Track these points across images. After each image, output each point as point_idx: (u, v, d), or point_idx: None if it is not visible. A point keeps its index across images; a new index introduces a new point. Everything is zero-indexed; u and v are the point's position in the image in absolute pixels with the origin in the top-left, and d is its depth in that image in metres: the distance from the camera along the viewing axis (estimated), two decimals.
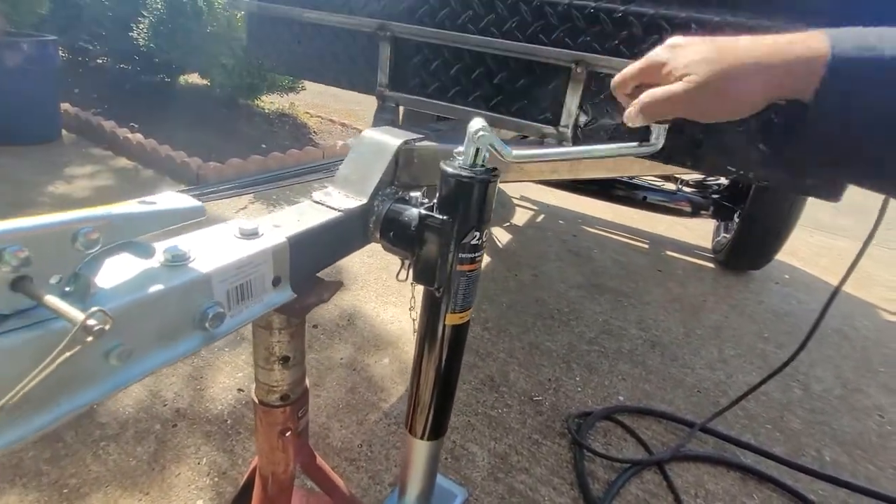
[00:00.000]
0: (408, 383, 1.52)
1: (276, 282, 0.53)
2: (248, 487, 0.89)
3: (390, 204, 0.70)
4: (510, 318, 2.00)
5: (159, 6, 3.33)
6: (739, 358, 1.98)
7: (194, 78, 4.26)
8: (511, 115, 0.99)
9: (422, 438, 0.84)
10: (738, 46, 0.47)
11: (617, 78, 0.61)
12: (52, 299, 0.31)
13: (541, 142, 1.00)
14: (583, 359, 1.82)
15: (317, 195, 0.67)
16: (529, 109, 0.97)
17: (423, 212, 0.64)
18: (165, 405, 1.35)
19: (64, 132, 3.27)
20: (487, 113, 1.00)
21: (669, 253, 2.91)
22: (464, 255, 0.65)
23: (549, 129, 0.96)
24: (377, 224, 0.70)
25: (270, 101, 4.37)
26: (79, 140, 3.24)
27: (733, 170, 0.85)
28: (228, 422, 1.32)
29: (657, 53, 0.54)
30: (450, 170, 0.61)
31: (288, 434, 0.76)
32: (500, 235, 2.80)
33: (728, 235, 2.72)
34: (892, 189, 0.48)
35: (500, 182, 0.66)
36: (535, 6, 0.89)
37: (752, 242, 2.54)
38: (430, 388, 0.78)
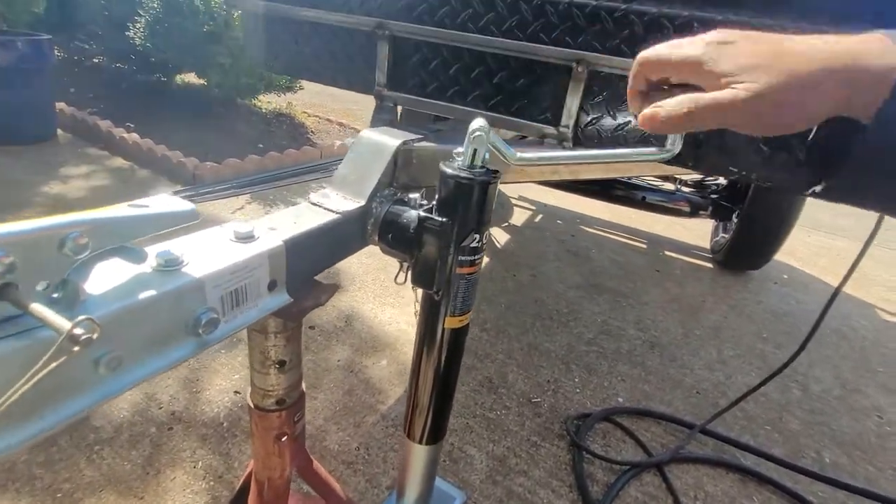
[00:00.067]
0: (406, 385, 1.51)
1: (272, 286, 0.51)
2: (243, 492, 0.88)
3: (389, 206, 0.69)
4: (509, 318, 1.99)
5: (155, 5, 3.31)
6: (738, 358, 1.97)
7: (191, 77, 4.23)
8: (511, 115, 0.98)
9: (420, 443, 0.83)
10: (797, 51, 0.40)
11: (637, 66, 0.51)
12: (37, 307, 0.30)
13: (541, 142, 0.99)
14: (581, 360, 1.81)
15: (314, 197, 0.66)
16: (529, 109, 0.96)
17: (422, 214, 0.63)
18: (161, 408, 1.33)
19: (59, 132, 3.24)
20: (487, 113, 0.99)
21: (668, 253, 2.90)
22: (463, 258, 0.64)
23: (550, 129, 0.95)
24: (375, 226, 0.68)
25: (268, 101, 4.36)
26: (74, 140, 3.22)
27: (735, 170, 0.84)
28: (225, 425, 1.31)
29: (697, 48, 0.45)
30: (449, 171, 0.60)
31: (284, 439, 0.75)
32: (499, 235, 2.79)
33: (727, 235, 2.71)
34: None
35: (501, 183, 0.65)
36: (535, 4, 0.88)
37: (750, 242, 2.54)
38: (428, 393, 0.77)
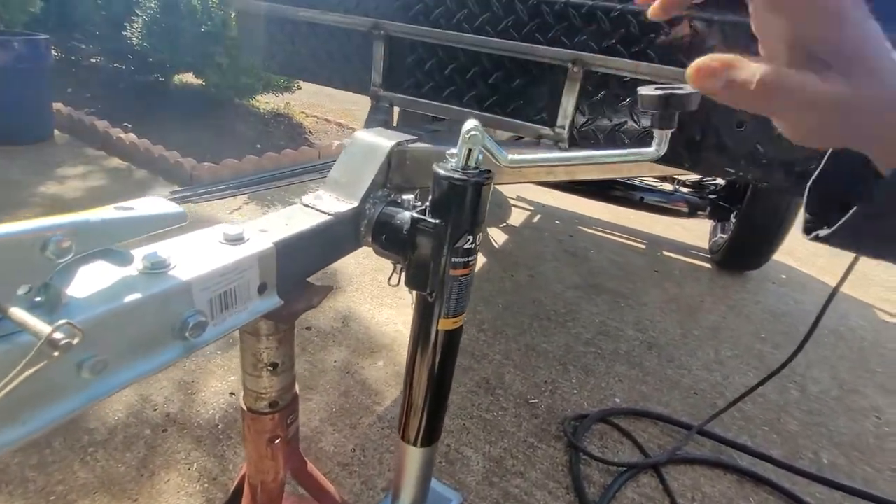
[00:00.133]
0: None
1: (263, 288, 0.51)
2: (237, 495, 0.87)
3: (382, 207, 0.68)
4: (506, 319, 1.99)
5: (153, 5, 3.30)
6: (736, 359, 1.97)
7: (189, 77, 4.23)
8: (507, 116, 0.98)
9: (415, 445, 0.82)
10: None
11: None
12: (17, 311, 0.30)
13: (537, 142, 0.98)
14: (579, 360, 1.81)
15: (307, 198, 0.66)
16: (525, 110, 0.96)
17: (416, 215, 0.63)
18: (156, 410, 1.33)
19: (56, 132, 3.23)
20: (483, 113, 0.98)
21: (666, 253, 2.90)
22: (457, 260, 0.64)
23: (546, 130, 0.94)
24: (369, 228, 0.68)
25: (266, 101, 4.35)
26: (72, 140, 3.21)
27: (732, 171, 0.84)
28: (220, 426, 1.30)
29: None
30: (442, 172, 0.60)
31: (277, 441, 0.75)
32: (497, 236, 2.79)
33: (725, 236, 2.71)
34: None
35: (496, 184, 0.64)
36: (531, 5, 0.88)
37: (749, 242, 2.53)
38: (422, 395, 0.77)
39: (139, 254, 0.41)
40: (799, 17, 0.29)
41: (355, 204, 0.66)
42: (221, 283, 0.45)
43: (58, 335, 0.28)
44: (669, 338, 2.04)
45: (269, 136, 3.73)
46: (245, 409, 0.73)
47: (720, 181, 2.70)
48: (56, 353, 0.28)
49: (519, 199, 3.41)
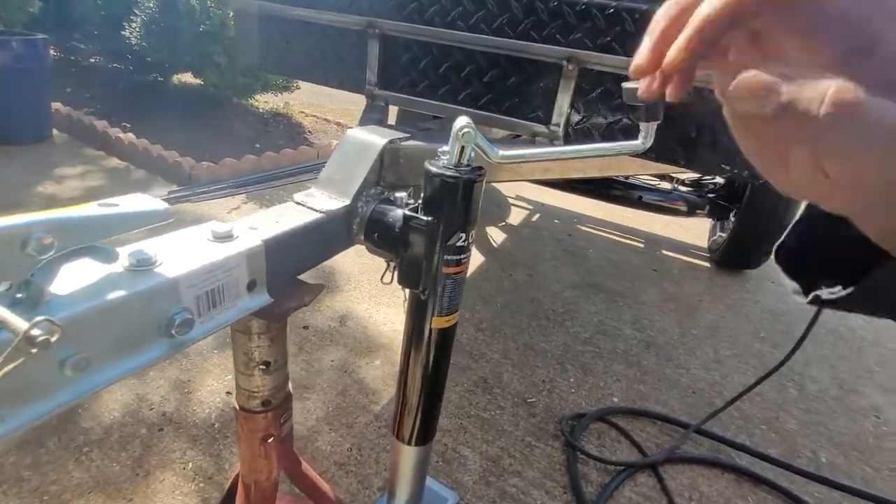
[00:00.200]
0: None
1: (252, 286, 0.51)
2: (231, 494, 0.87)
3: (375, 205, 0.68)
4: (504, 318, 1.99)
5: (151, 5, 3.30)
6: (735, 358, 1.96)
7: (188, 77, 4.22)
8: (502, 114, 0.97)
9: (409, 444, 0.82)
10: None
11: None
12: None
13: (533, 141, 0.98)
14: (577, 359, 1.80)
15: (298, 196, 0.65)
16: (520, 108, 0.95)
17: (408, 213, 0.62)
18: (152, 409, 1.33)
19: (55, 132, 3.23)
20: (478, 111, 0.98)
21: (665, 252, 2.89)
22: (449, 257, 0.63)
23: (541, 128, 0.94)
24: (361, 225, 0.68)
25: (265, 101, 4.35)
26: (70, 140, 3.21)
27: (728, 168, 0.84)
28: (216, 426, 1.30)
29: None
30: (434, 169, 0.59)
31: (270, 440, 0.74)
32: (495, 235, 2.78)
33: (724, 234, 2.71)
34: None
35: (492, 182, 0.64)
36: (525, 2, 0.87)
37: (748, 241, 2.53)
38: (416, 394, 0.76)
39: (125, 251, 0.41)
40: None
41: (347, 202, 0.66)
42: (209, 281, 0.45)
43: (35, 332, 0.28)
44: (668, 337, 2.04)
45: (267, 135, 3.73)
46: (238, 407, 0.72)
47: (719, 180, 2.69)
48: (34, 350, 0.28)
49: (518, 198, 3.40)
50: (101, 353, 0.37)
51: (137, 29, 3.36)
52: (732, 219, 2.59)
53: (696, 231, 3.15)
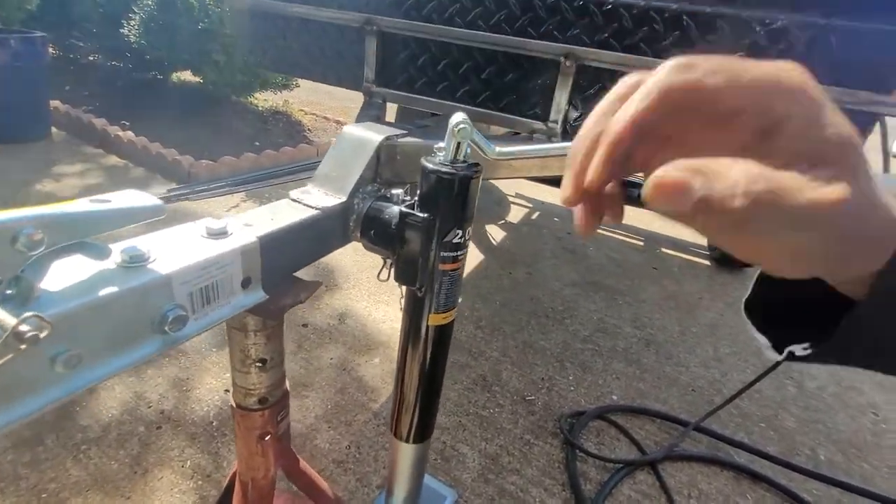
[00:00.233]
0: None
1: (247, 283, 0.50)
2: (229, 492, 0.87)
3: (371, 202, 0.68)
4: (504, 316, 1.99)
5: (150, 2, 3.29)
6: (734, 356, 1.96)
7: (187, 75, 4.22)
8: (500, 111, 0.97)
9: (407, 441, 0.82)
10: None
11: (660, 92, 0.25)
12: None
13: (531, 138, 0.98)
14: (577, 357, 1.80)
15: (294, 193, 0.65)
16: (518, 105, 0.95)
17: (404, 209, 0.62)
18: (150, 407, 1.32)
19: (54, 130, 3.23)
20: (476, 109, 0.98)
21: (665, 250, 2.89)
22: (446, 254, 0.63)
23: (539, 125, 0.94)
24: (357, 222, 0.67)
25: (264, 99, 4.34)
26: (69, 138, 3.21)
27: None
28: (214, 423, 1.30)
29: (790, 70, 0.24)
30: (430, 165, 0.59)
31: (267, 438, 0.74)
32: (495, 233, 2.78)
33: None
34: None
35: (490, 179, 0.64)
36: None
37: None
38: (414, 391, 0.76)
39: (117, 247, 0.41)
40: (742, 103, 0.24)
41: (343, 199, 0.66)
42: (203, 277, 0.44)
43: (24, 327, 0.28)
44: (667, 335, 2.03)
45: (267, 133, 3.72)
46: (235, 405, 0.72)
47: None
48: (23, 346, 0.28)
49: (518, 196, 3.40)
50: (92, 349, 0.37)
51: (136, 27, 3.35)
52: None
53: None
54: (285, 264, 0.58)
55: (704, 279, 2.60)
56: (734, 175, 0.22)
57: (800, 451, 1.52)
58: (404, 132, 0.78)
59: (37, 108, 3.09)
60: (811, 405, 1.74)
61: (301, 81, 4.06)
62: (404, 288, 0.71)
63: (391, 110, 1.91)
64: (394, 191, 0.69)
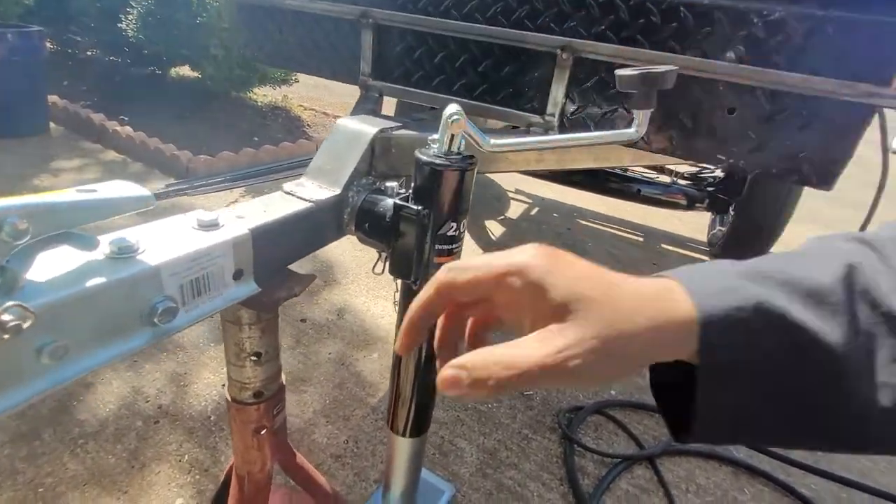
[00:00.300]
0: None
1: (238, 275, 0.50)
2: (226, 486, 0.87)
3: (366, 194, 0.67)
4: None
5: None
6: None
7: (185, 70, 4.21)
8: (497, 104, 0.96)
9: (404, 436, 0.82)
10: (623, 290, 0.33)
11: (433, 292, 0.36)
12: None
13: (528, 131, 0.97)
14: None
15: (288, 186, 0.65)
16: (515, 98, 0.94)
17: (398, 202, 0.62)
18: (147, 402, 1.32)
19: (52, 125, 3.22)
20: (473, 102, 0.97)
21: (664, 246, 2.89)
22: (440, 247, 0.63)
23: (536, 118, 0.93)
24: (352, 215, 0.67)
25: (263, 94, 4.33)
26: (67, 133, 3.20)
27: (723, 158, 0.83)
28: (212, 418, 1.30)
29: (524, 255, 0.33)
30: (424, 158, 0.58)
31: (263, 432, 0.74)
32: (495, 229, 2.78)
33: (723, 228, 2.69)
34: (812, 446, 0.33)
35: (486, 173, 0.63)
36: None
37: (747, 235, 2.51)
38: (410, 385, 0.76)
39: (106, 238, 0.40)
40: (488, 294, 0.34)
41: (338, 191, 0.65)
42: (193, 269, 0.44)
43: (6, 317, 0.27)
44: None
45: (266, 129, 3.71)
46: (230, 399, 0.72)
47: (718, 173, 2.68)
48: (6, 336, 0.28)
49: (517, 192, 3.39)
50: (79, 341, 0.36)
51: (134, 21, 3.34)
52: (732, 212, 2.58)
53: (695, 225, 3.14)
54: (278, 257, 0.58)
55: None
56: (486, 364, 0.30)
57: None
58: (399, 125, 0.77)
59: (35, 103, 3.09)
60: None
61: (300, 77, 4.05)
62: (399, 282, 0.70)
63: (391, 106, 1.90)
64: (388, 183, 0.68)
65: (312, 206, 0.61)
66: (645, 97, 0.55)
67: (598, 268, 0.34)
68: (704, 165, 2.70)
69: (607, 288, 0.32)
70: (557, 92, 0.89)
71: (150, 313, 0.40)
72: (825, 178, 0.75)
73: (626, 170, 2.55)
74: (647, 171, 2.69)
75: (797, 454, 1.47)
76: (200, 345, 1.55)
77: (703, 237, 3.00)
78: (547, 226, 2.91)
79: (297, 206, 0.59)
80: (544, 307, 0.31)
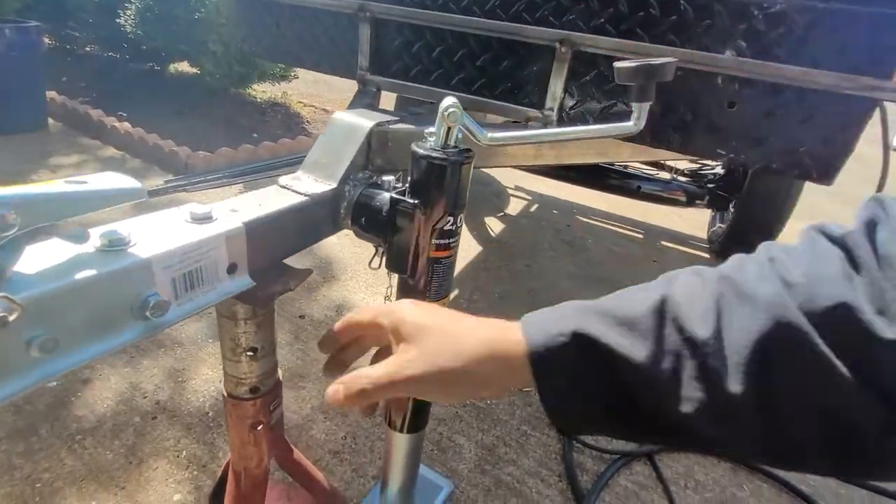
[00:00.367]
0: None
1: (232, 269, 0.50)
2: (223, 481, 0.86)
3: (362, 188, 0.67)
4: (502, 308, 1.98)
5: None
6: None
7: (184, 66, 4.19)
8: (495, 99, 0.96)
9: (401, 432, 0.81)
10: (464, 327, 0.43)
11: (334, 332, 0.51)
12: None
13: (526, 126, 0.96)
14: None
15: (283, 179, 0.64)
16: (514, 92, 0.94)
17: (395, 196, 0.61)
18: (145, 397, 1.32)
19: (50, 121, 3.21)
20: (471, 96, 0.96)
21: (664, 243, 2.88)
22: (437, 241, 0.62)
23: (534, 113, 0.92)
24: (348, 210, 0.67)
25: (262, 90, 4.31)
26: (66, 129, 3.19)
27: (723, 152, 0.82)
28: (210, 414, 1.30)
29: (373, 312, 0.47)
30: (421, 151, 0.58)
31: (260, 428, 0.74)
32: (494, 225, 2.77)
33: (723, 225, 2.69)
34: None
35: (484, 167, 0.63)
36: None
37: (747, 232, 2.51)
38: None
39: (97, 231, 0.40)
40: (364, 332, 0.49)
41: (334, 185, 0.65)
42: (186, 262, 0.44)
43: None
44: None
45: (265, 125, 3.70)
46: (226, 394, 0.72)
47: (719, 170, 2.67)
48: None
49: (517, 188, 3.39)
50: (69, 334, 0.36)
51: (132, 17, 3.33)
52: (732, 209, 2.57)
53: (695, 222, 3.14)
54: (273, 251, 0.57)
55: None
56: (354, 380, 0.41)
57: None
58: (396, 119, 0.76)
59: (33, 99, 3.07)
60: None
61: (300, 73, 4.03)
62: (395, 278, 0.70)
63: (390, 101, 1.89)
64: (385, 178, 0.68)
65: (308, 199, 0.60)
66: (644, 90, 0.55)
67: (451, 312, 0.45)
68: (704, 162, 2.69)
69: (447, 322, 0.43)
70: (556, 86, 0.88)
71: (142, 307, 0.40)
72: (826, 173, 0.74)
73: (626, 166, 2.54)
74: (646, 167, 2.68)
75: None
76: (198, 341, 1.55)
77: (704, 234, 2.99)
78: (546, 222, 2.91)
79: (292, 199, 0.59)
80: (400, 337, 0.42)
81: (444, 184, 0.59)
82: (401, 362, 0.41)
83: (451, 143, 0.58)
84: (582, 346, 0.36)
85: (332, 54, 1.10)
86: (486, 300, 2.02)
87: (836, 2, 0.65)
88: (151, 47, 3.52)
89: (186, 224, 0.46)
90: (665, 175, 2.71)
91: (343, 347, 0.52)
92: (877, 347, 0.29)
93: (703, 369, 0.33)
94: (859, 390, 0.29)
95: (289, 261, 0.62)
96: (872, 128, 0.76)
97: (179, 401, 1.33)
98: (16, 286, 0.32)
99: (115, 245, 0.39)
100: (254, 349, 0.66)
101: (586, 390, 0.37)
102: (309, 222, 0.62)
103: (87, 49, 4.25)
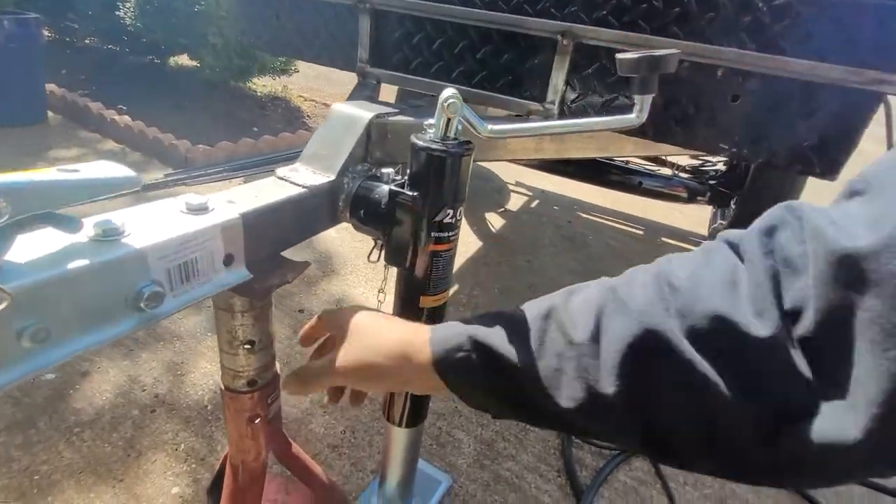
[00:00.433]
0: None
1: (229, 261, 0.49)
2: (221, 475, 0.86)
3: (361, 181, 0.66)
4: (502, 303, 1.97)
5: None
6: None
7: (184, 59, 4.18)
8: (496, 92, 0.95)
9: (400, 426, 0.81)
10: (385, 328, 0.50)
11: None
12: None
13: (527, 119, 0.95)
14: None
15: (281, 171, 0.64)
16: (515, 85, 0.93)
17: (393, 188, 0.61)
18: (144, 390, 1.32)
19: (50, 114, 3.20)
20: (472, 89, 0.95)
21: (665, 239, 2.87)
22: (436, 234, 0.61)
23: (535, 106, 0.92)
24: (347, 202, 0.66)
25: (262, 84, 4.30)
26: (65, 122, 3.18)
27: (726, 147, 0.82)
28: (209, 407, 1.30)
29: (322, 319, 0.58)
30: (420, 143, 0.57)
31: (257, 421, 0.73)
32: (494, 221, 2.76)
33: (724, 222, 2.67)
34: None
35: (484, 161, 0.62)
36: None
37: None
38: None
39: (90, 221, 0.39)
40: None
41: (332, 177, 0.64)
42: (181, 253, 0.43)
43: None
44: None
45: (266, 119, 3.69)
46: (223, 387, 0.71)
47: (720, 166, 2.66)
48: None
49: (518, 184, 3.38)
50: (62, 324, 0.35)
51: (132, 9, 3.31)
52: (733, 206, 2.56)
53: (695, 219, 3.13)
54: (271, 243, 0.57)
55: None
56: (304, 370, 0.52)
57: None
58: (396, 111, 0.76)
59: (32, 92, 3.06)
60: None
61: (300, 67, 4.02)
62: (390, 272, 0.69)
63: (391, 94, 1.88)
64: (384, 170, 0.67)
65: (306, 191, 0.60)
66: (646, 82, 0.54)
67: (384, 315, 0.54)
68: (706, 158, 2.68)
69: (375, 323, 0.50)
70: (558, 79, 0.87)
71: (137, 298, 0.39)
72: (830, 168, 0.74)
73: (627, 162, 2.53)
74: (648, 163, 2.67)
75: None
76: (197, 334, 1.54)
77: (705, 231, 2.98)
78: (547, 218, 2.90)
79: (290, 191, 0.58)
80: (341, 336, 0.50)
81: (444, 176, 0.58)
82: (335, 356, 0.49)
83: (451, 134, 0.58)
84: (475, 348, 0.42)
85: (332, 46, 1.09)
86: (487, 295, 2.01)
87: None
88: (151, 40, 3.50)
89: (182, 214, 0.46)
90: (666, 171, 2.70)
91: (319, 349, 0.60)
92: (752, 350, 0.30)
93: (581, 370, 0.36)
94: (734, 395, 0.30)
95: (287, 254, 0.61)
96: (875, 126, 0.75)
97: (178, 394, 1.32)
98: (6, 275, 0.32)
99: (109, 235, 0.39)
100: (251, 342, 0.66)
101: (484, 387, 0.42)
102: (307, 214, 0.61)
103: (87, 42, 4.24)
